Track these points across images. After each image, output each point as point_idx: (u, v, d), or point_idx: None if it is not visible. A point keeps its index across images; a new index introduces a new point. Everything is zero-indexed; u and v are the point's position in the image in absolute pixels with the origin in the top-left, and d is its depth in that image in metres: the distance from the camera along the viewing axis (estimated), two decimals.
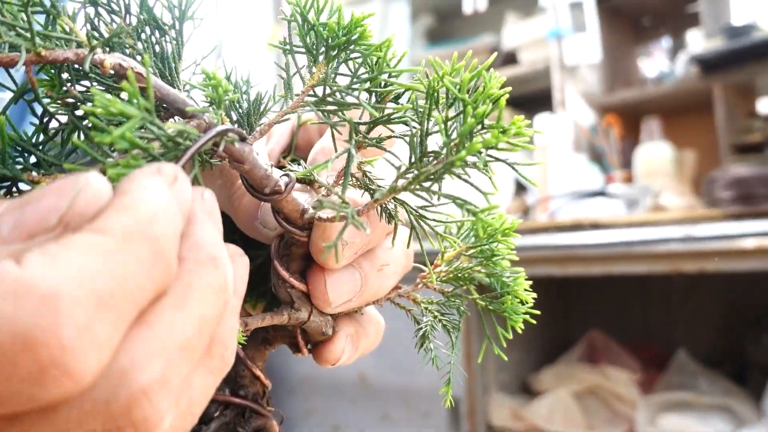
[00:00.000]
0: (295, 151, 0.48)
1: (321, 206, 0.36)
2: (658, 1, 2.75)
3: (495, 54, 0.34)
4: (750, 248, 1.57)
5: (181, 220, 0.26)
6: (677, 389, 2.07)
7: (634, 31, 2.99)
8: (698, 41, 2.53)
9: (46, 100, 0.34)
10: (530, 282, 0.45)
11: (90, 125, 0.34)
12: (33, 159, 0.34)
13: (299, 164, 0.45)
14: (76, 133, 0.34)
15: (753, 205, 1.76)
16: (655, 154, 2.44)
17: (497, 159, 0.32)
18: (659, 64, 2.88)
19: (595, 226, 1.91)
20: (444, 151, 0.34)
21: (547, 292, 2.33)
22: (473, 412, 2.06)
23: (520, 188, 2.67)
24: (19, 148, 0.33)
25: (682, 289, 2.47)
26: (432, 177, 0.33)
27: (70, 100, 0.34)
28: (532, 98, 2.79)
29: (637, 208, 2.20)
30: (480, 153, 0.31)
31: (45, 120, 0.35)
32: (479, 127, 0.31)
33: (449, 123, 0.33)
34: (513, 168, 0.33)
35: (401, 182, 0.35)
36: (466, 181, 0.33)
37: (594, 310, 2.61)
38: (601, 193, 2.26)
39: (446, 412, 2.08)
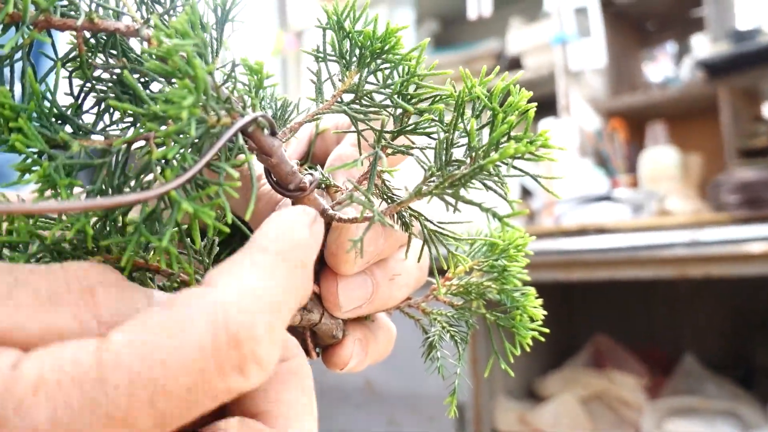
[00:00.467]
0: (311, 159, 0.48)
1: (350, 201, 0.37)
2: (662, 6, 2.76)
3: (521, 72, 0.34)
4: (757, 253, 1.57)
5: (315, 252, 0.32)
6: (684, 394, 2.07)
7: (638, 35, 3.00)
8: (703, 46, 2.54)
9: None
10: (535, 287, 0.45)
11: (130, 97, 0.35)
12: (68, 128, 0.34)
13: (315, 170, 0.46)
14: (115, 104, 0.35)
15: (759, 209, 1.77)
16: (661, 158, 2.44)
17: (521, 170, 0.33)
18: (664, 68, 2.88)
19: (601, 230, 1.92)
20: (467, 158, 0.34)
21: (551, 296, 2.33)
22: (479, 417, 2.06)
23: (525, 193, 2.67)
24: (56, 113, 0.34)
25: (688, 293, 2.47)
26: (458, 182, 0.34)
27: (116, 71, 0.35)
28: (537, 103, 2.80)
29: (642, 212, 2.20)
30: (506, 161, 0.32)
31: (86, 88, 0.35)
32: (505, 137, 0.32)
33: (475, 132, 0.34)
34: (535, 180, 0.33)
35: (426, 187, 0.35)
36: (490, 187, 0.34)
37: (599, 315, 2.61)
38: (606, 198, 2.26)
39: (452, 416, 2.08)
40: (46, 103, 0.33)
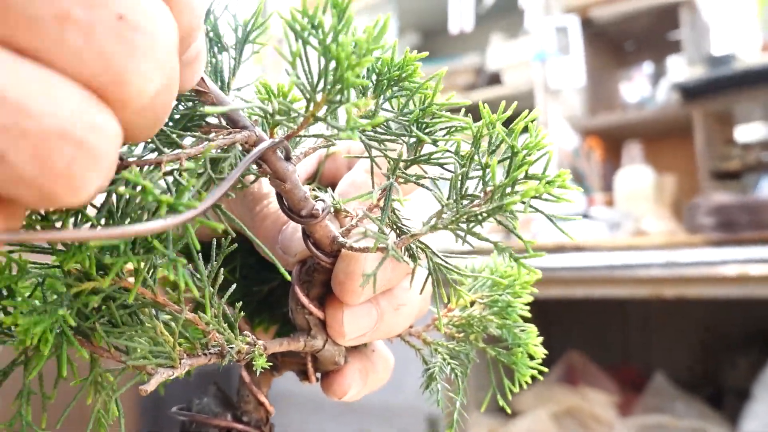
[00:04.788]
0: (320, 180, 0.48)
1: (364, 236, 0.37)
2: (641, 27, 2.80)
3: (537, 112, 0.34)
4: (730, 275, 1.60)
5: None
6: (654, 412, 2.09)
7: (617, 55, 3.05)
8: (680, 68, 2.59)
9: None
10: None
11: None
12: None
13: (325, 193, 0.45)
14: None
15: (733, 233, 1.80)
16: (636, 177, 2.48)
17: (536, 209, 0.33)
18: (640, 88, 2.93)
19: (578, 248, 1.94)
20: (481, 192, 0.34)
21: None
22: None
23: None
24: None
25: (661, 312, 2.50)
26: (474, 218, 0.34)
27: None
28: (515, 120, 2.83)
29: (618, 231, 2.23)
30: (524, 201, 0.32)
31: None
32: (522, 175, 0.32)
33: (488, 169, 0.34)
34: (551, 220, 0.33)
35: (440, 221, 0.35)
36: (506, 226, 0.34)
37: (573, 331, 2.63)
38: (583, 216, 2.29)
39: (424, 429, 2.08)
40: None
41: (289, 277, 0.37)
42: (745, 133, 2.56)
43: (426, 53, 0.35)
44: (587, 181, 2.65)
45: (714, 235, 1.80)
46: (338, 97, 0.31)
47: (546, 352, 0.46)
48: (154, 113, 0.25)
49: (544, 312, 2.61)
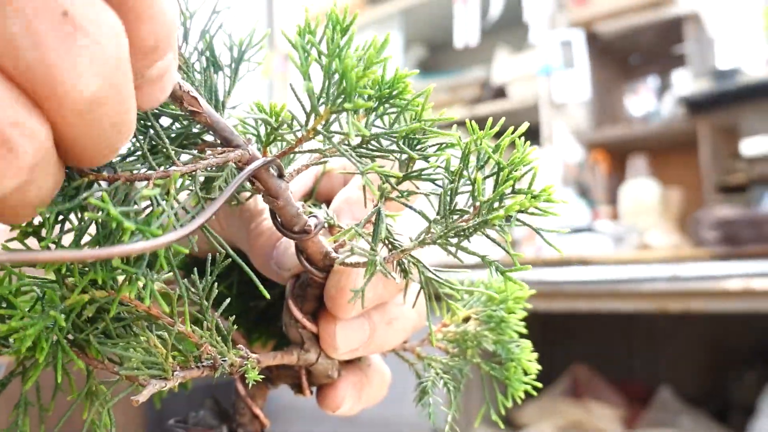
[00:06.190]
0: (316, 197, 0.49)
1: (351, 253, 0.37)
2: (646, 41, 2.81)
3: (527, 124, 0.35)
4: (734, 290, 1.59)
5: None
6: (659, 426, 2.08)
7: (622, 69, 3.05)
8: (685, 82, 2.59)
9: None
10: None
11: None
12: None
13: (319, 209, 0.46)
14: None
15: (738, 247, 1.79)
16: (641, 190, 2.47)
17: (524, 222, 0.33)
18: (646, 102, 2.93)
19: (583, 262, 1.94)
20: (470, 207, 0.35)
21: (531, 325, 2.33)
22: None
23: None
24: None
25: (666, 326, 2.49)
26: (462, 233, 0.34)
27: None
28: (521, 133, 2.83)
29: (623, 245, 2.22)
30: (510, 215, 0.32)
31: None
32: (509, 190, 0.33)
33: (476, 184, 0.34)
34: (539, 233, 0.34)
35: (429, 236, 0.36)
36: (493, 240, 0.34)
37: (578, 345, 2.62)
38: (587, 230, 2.29)
39: None
40: None
41: (267, 295, 0.37)
42: (751, 146, 2.55)
43: (417, 71, 0.36)
44: (592, 194, 2.65)
45: (718, 249, 1.79)
46: (341, 107, 0.32)
47: (546, 366, 0.46)
48: (99, 124, 0.24)
49: (549, 326, 2.60)
